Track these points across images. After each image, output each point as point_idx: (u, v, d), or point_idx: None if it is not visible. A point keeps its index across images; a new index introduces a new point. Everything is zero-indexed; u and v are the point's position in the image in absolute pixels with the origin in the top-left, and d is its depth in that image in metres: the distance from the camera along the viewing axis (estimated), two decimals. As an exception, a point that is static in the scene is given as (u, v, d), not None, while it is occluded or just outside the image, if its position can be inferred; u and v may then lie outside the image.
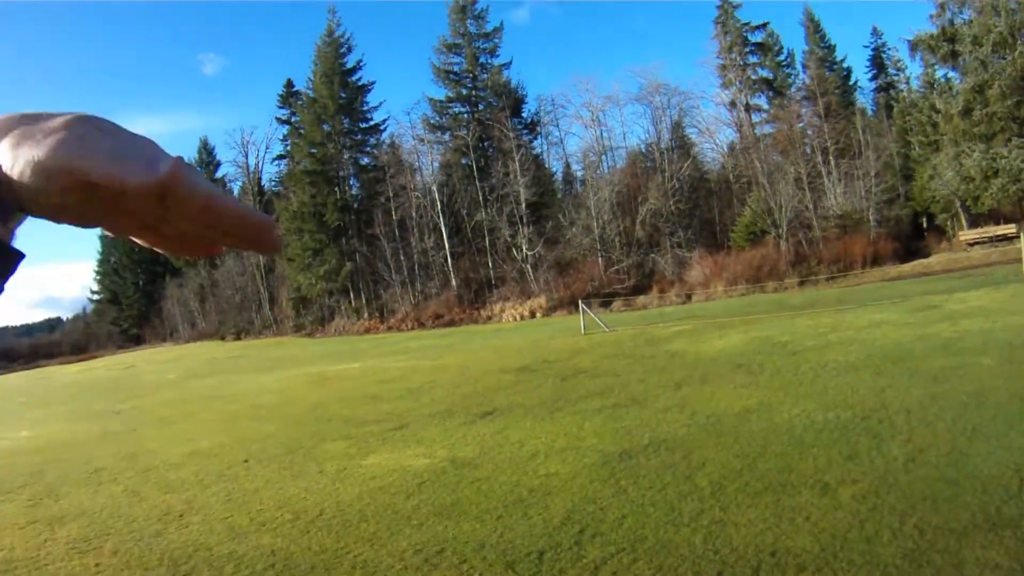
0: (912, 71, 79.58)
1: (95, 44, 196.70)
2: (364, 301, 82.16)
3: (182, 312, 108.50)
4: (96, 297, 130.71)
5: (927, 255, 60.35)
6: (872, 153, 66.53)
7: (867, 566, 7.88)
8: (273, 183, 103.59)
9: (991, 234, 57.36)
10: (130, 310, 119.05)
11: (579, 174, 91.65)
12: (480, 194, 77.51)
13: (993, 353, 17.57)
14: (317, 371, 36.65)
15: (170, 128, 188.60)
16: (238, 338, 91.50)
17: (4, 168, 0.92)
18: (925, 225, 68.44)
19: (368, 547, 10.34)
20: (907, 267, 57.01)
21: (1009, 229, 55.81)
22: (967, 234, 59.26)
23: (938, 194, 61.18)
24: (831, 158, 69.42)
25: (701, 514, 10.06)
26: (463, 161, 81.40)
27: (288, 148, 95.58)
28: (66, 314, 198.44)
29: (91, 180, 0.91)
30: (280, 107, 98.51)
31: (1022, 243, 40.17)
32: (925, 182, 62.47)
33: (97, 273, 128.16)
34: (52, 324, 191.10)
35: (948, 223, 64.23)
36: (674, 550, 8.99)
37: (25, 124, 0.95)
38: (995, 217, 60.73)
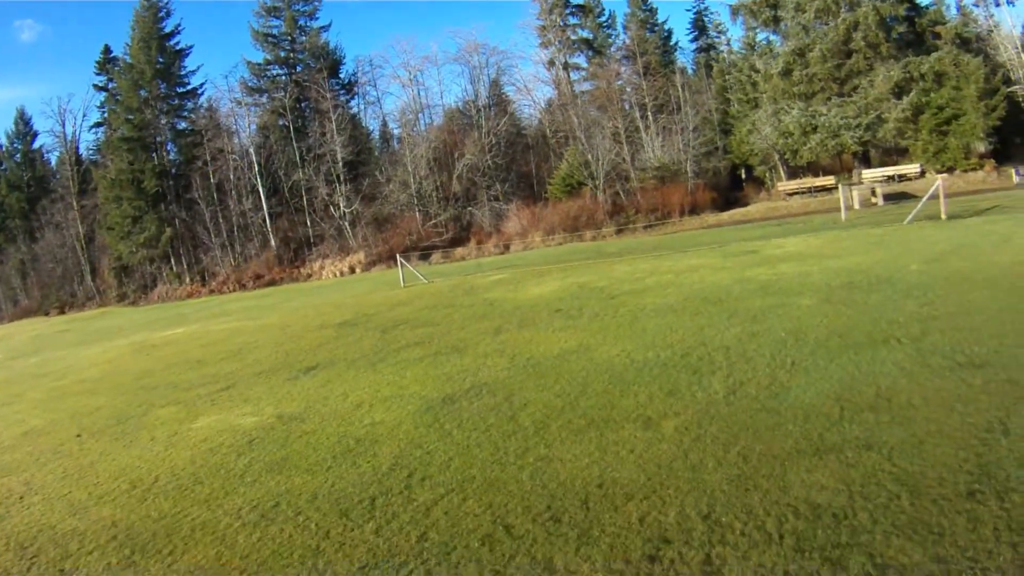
0: (733, 34, 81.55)
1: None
2: (185, 266, 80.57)
3: (3, 290, 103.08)
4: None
5: (746, 204, 61.83)
6: (691, 109, 67.86)
7: (694, 492, 8.05)
8: (91, 152, 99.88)
9: (809, 185, 59.01)
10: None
11: (396, 132, 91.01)
12: (297, 154, 76.80)
13: (811, 294, 18.02)
14: (141, 339, 35.61)
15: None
16: (62, 312, 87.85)
17: None
18: (744, 176, 69.94)
19: (205, 508, 10.21)
20: (726, 215, 58.40)
21: (828, 180, 57.64)
22: (786, 185, 60.77)
23: (756, 147, 62.68)
24: (649, 113, 70.42)
25: (526, 452, 10.24)
26: (280, 123, 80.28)
27: (105, 115, 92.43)
28: None
29: None
30: (97, 74, 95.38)
31: (840, 193, 41.32)
32: (744, 136, 63.88)
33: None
34: None
35: (767, 175, 65.72)
36: (502, 487, 9.07)
37: None
38: (814, 170, 62.64)
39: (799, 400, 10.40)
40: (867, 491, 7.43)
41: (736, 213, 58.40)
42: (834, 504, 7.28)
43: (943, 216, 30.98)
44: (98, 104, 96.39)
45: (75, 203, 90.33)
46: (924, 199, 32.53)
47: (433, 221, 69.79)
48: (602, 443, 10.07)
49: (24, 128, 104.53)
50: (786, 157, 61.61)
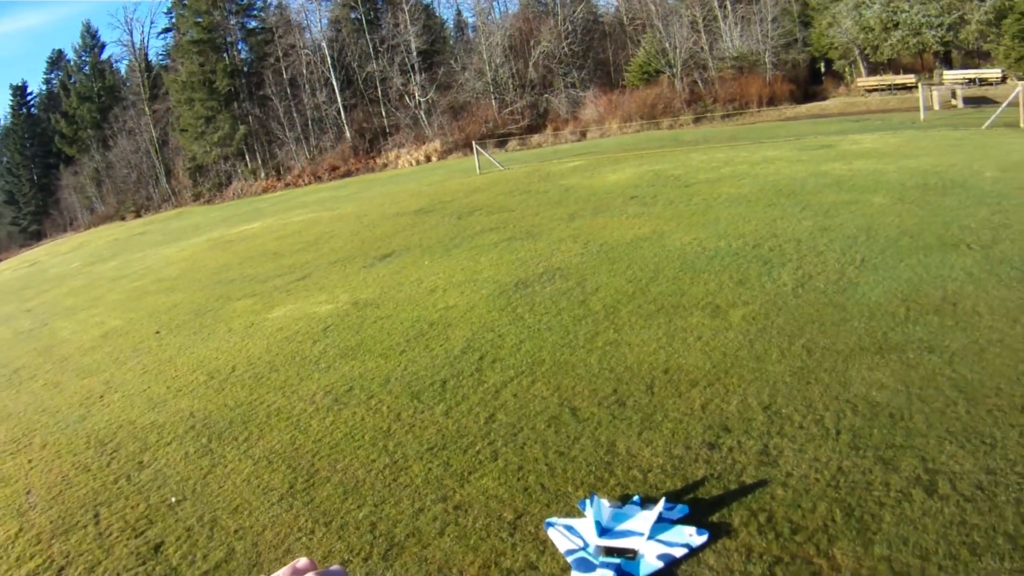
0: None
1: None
2: (260, 162, 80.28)
3: (80, 199, 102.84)
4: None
5: (824, 98, 60.48)
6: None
7: (757, 382, 8.19)
8: (160, 57, 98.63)
9: (889, 82, 57.38)
10: (28, 207, 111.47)
11: (471, 21, 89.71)
12: (371, 46, 75.88)
13: (885, 192, 17.75)
14: (218, 236, 35.90)
15: (51, 17, 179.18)
16: (138, 215, 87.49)
17: None
18: (823, 70, 68.29)
19: (280, 395, 10.59)
20: (803, 108, 57.27)
21: (908, 79, 55.87)
22: (865, 81, 59.11)
23: (836, 41, 60.98)
24: (728, 3, 69.01)
25: (596, 336, 10.48)
26: (352, 15, 78.63)
27: (173, 20, 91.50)
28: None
29: None
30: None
31: (920, 92, 40.46)
32: (823, 29, 62.14)
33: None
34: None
35: (846, 69, 63.95)
36: (571, 370, 9.31)
37: None
38: (894, 67, 60.72)
39: (866, 297, 10.45)
40: (925, 394, 7.54)
41: (814, 107, 57.23)
42: (892, 404, 7.41)
43: (1022, 124, 30.08)
44: (165, 10, 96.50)
45: (147, 108, 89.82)
46: (1003, 105, 31.24)
47: (509, 108, 69.19)
48: (670, 329, 10.29)
49: (91, 40, 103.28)
50: (866, 52, 59.84)
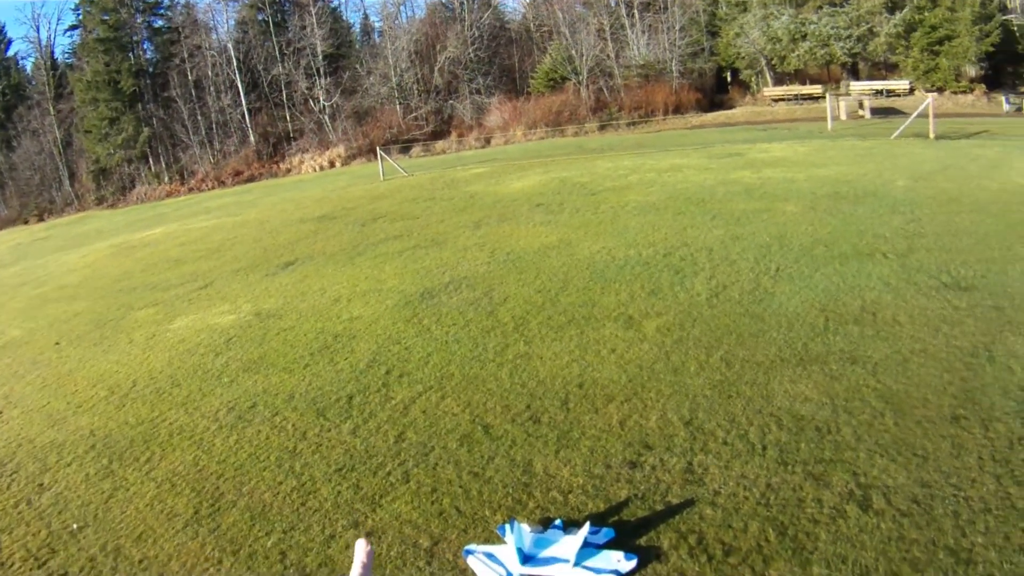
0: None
1: None
2: (164, 165, 78.31)
3: None
4: None
5: (731, 107, 61.36)
6: (678, 9, 66.58)
7: (676, 396, 8.02)
8: (67, 55, 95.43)
9: (796, 92, 58.25)
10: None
11: (377, 26, 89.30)
12: (277, 49, 75.17)
13: (796, 201, 17.82)
14: (120, 241, 34.92)
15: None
16: (41, 219, 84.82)
17: None
18: (729, 79, 68.92)
19: (183, 412, 10.21)
20: (710, 117, 57.85)
21: (815, 89, 56.73)
22: (772, 91, 59.91)
23: (743, 51, 61.73)
24: (635, 11, 69.24)
25: (506, 348, 10.27)
26: (259, 17, 77.98)
27: (80, 17, 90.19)
28: None
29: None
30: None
31: (827, 103, 40.99)
32: (731, 39, 62.86)
33: None
34: None
35: (753, 79, 64.69)
36: (481, 385, 9.07)
37: None
38: (801, 78, 61.62)
39: (783, 307, 10.40)
40: (851, 406, 7.47)
41: (720, 115, 57.94)
42: (818, 417, 7.32)
43: (931, 135, 30.35)
44: (72, 7, 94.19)
45: (51, 108, 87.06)
46: (913, 116, 31.91)
47: (414, 114, 69.11)
48: (583, 341, 10.09)
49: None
50: (773, 63, 60.73)
